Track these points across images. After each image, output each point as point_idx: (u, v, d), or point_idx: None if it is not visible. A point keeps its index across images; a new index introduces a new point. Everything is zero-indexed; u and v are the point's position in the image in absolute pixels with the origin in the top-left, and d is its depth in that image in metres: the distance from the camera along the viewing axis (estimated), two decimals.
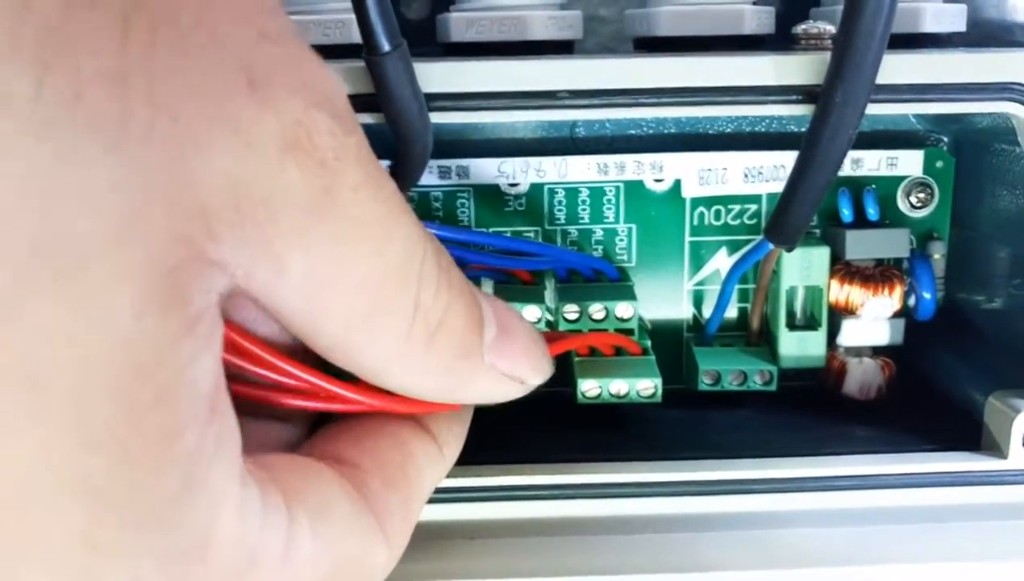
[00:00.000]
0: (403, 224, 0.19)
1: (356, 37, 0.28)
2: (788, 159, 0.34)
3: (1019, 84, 0.27)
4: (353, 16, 0.27)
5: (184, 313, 0.16)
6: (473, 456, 0.30)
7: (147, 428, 0.15)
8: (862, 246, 0.34)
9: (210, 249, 0.16)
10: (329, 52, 0.29)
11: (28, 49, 0.14)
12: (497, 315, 0.22)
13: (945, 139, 0.36)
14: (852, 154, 0.34)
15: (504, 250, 0.33)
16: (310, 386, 0.21)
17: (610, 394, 0.32)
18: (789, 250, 0.32)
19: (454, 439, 0.24)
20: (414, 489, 0.23)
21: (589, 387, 0.31)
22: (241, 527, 0.17)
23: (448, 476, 0.29)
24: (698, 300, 0.36)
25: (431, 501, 0.29)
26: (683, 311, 0.36)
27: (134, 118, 0.15)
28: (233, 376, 0.20)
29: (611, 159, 0.34)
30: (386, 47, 0.24)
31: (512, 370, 0.22)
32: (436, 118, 0.26)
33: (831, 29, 0.29)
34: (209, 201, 0.16)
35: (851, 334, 0.34)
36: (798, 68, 0.27)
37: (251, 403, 0.22)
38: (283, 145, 0.17)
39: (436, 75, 0.26)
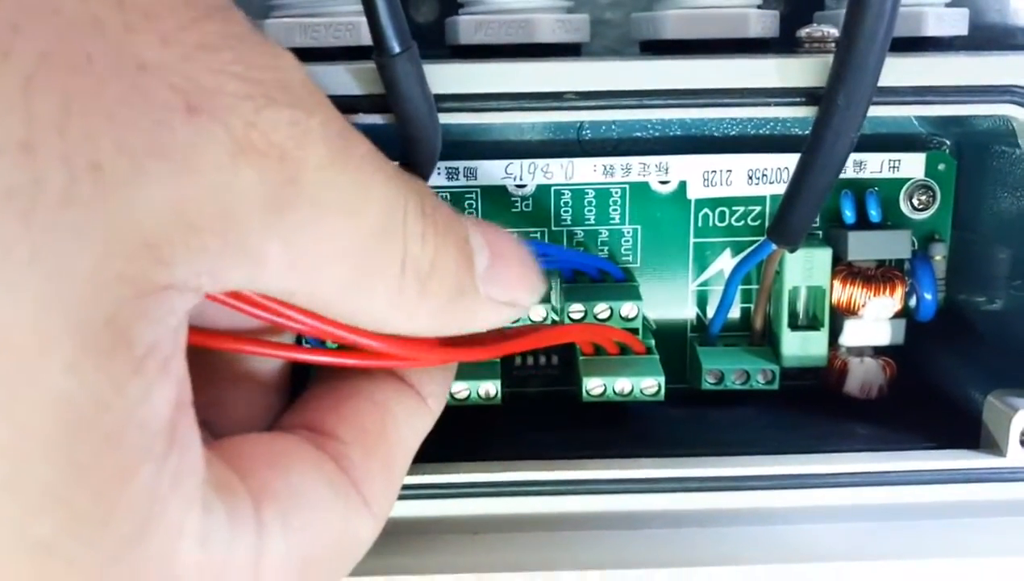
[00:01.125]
0: (378, 184, 0.19)
1: (366, 39, 0.29)
2: (792, 161, 0.34)
3: (1020, 87, 0.28)
4: (362, 18, 0.27)
5: (128, 356, 0.15)
6: (478, 452, 0.30)
7: (94, 480, 0.15)
8: (864, 247, 0.34)
9: (160, 276, 0.16)
10: (339, 54, 0.29)
11: None
12: (487, 241, 0.22)
13: (947, 142, 0.36)
14: (855, 156, 0.35)
15: None
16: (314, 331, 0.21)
17: (614, 392, 0.32)
18: (792, 251, 0.32)
19: (438, 388, 0.25)
20: (396, 453, 0.23)
21: (593, 385, 0.32)
22: (205, 554, 0.17)
23: (452, 472, 0.30)
24: (702, 300, 0.37)
25: (435, 496, 0.30)
26: (687, 311, 0.37)
27: (47, 183, 0.14)
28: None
29: (617, 161, 0.35)
30: (397, 49, 0.24)
31: (508, 296, 0.22)
32: (445, 119, 0.27)
33: (834, 32, 0.29)
34: (153, 233, 0.15)
35: (853, 334, 0.34)
36: (801, 71, 0.27)
37: (234, 370, 0.23)
38: (234, 153, 0.16)
39: (445, 76, 0.27)
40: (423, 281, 0.20)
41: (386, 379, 0.24)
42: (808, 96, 0.27)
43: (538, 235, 0.35)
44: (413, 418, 0.24)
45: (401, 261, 0.20)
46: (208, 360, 0.22)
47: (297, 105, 0.18)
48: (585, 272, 0.35)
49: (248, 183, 0.17)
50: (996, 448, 0.30)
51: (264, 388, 0.24)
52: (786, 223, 0.29)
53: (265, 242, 0.17)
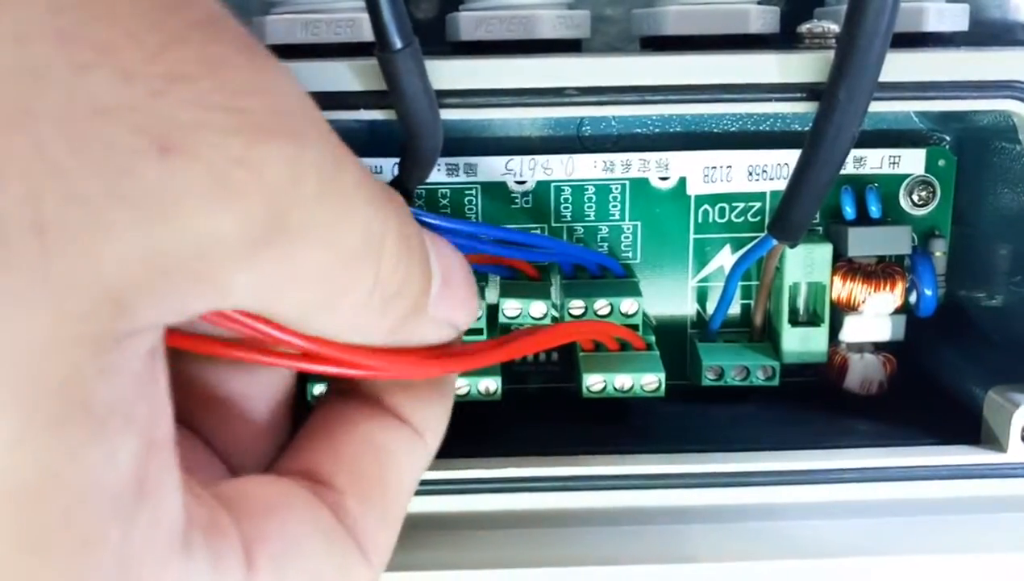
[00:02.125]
0: (362, 212, 0.18)
1: (367, 35, 0.29)
2: (792, 157, 0.34)
3: (1020, 82, 0.28)
4: (363, 14, 0.27)
5: (85, 421, 0.14)
6: (479, 448, 0.30)
7: (56, 560, 0.14)
8: (864, 243, 0.34)
9: (123, 326, 0.15)
10: (340, 50, 0.29)
11: None
12: (441, 264, 0.22)
13: (947, 138, 0.36)
14: (855, 152, 0.35)
15: (509, 241, 0.33)
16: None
17: (614, 388, 0.32)
18: (792, 246, 0.32)
19: (436, 425, 0.24)
20: (394, 498, 0.22)
21: (594, 381, 0.32)
22: None
23: (452, 468, 0.30)
24: (702, 296, 0.37)
25: (438, 492, 0.30)
26: (687, 307, 0.37)
27: None
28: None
29: (617, 157, 0.35)
30: (399, 44, 0.24)
31: (450, 318, 0.22)
32: (446, 115, 0.27)
33: (835, 28, 0.29)
34: (117, 284, 0.14)
35: (853, 330, 0.34)
36: (802, 66, 0.27)
37: (232, 409, 0.22)
38: (217, 195, 0.15)
39: (447, 72, 0.27)
40: (387, 301, 0.20)
41: (382, 417, 0.23)
42: (809, 92, 0.27)
43: (538, 231, 0.36)
44: (411, 457, 0.23)
45: (372, 284, 0.19)
46: (204, 385, 0.22)
47: (292, 136, 0.16)
48: (585, 267, 0.35)
49: (231, 224, 0.15)
50: (997, 444, 0.30)
51: (264, 416, 0.23)
52: (787, 219, 0.29)
53: (234, 276, 0.16)
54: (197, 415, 0.22)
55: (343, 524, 0.21)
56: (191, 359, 0.21)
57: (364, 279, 0.19)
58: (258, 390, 0.23)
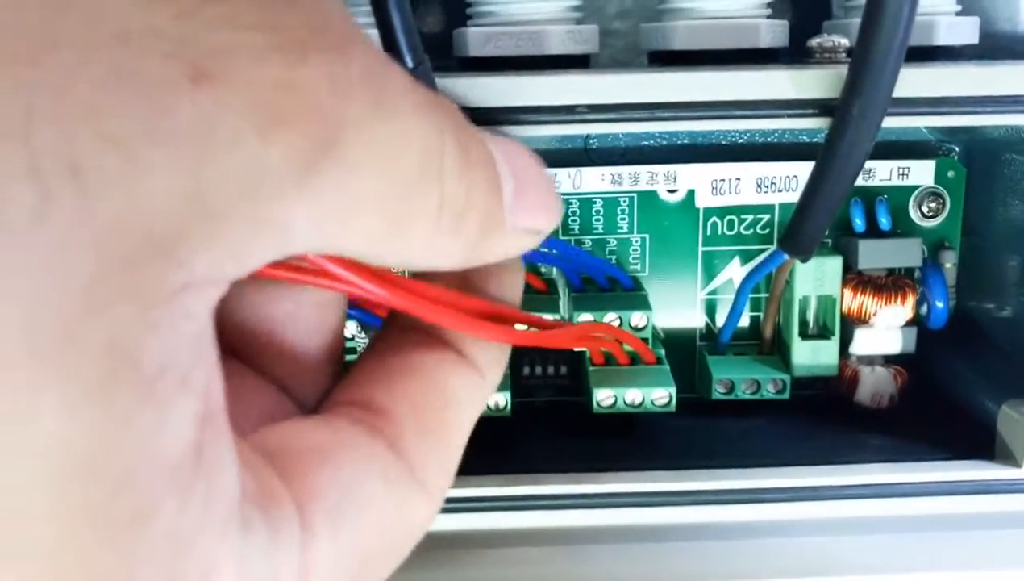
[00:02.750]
0: (416, 126, 0.17)
1: None
2: (800, 169, 0.35)
3: None
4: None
5: (135, 382, 0.13)
6: (488, 465, 0.30)
7: (108, 534, 0.14)
8: (874, 256, 0.34)
9: (174, 278, 0.14)
10: None
11: None
12: (511, 166, 0.20)
13: (956, 149, 0.36)
14: (864, 164, 0.34)
15: None
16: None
17: (625, 403, 0.32)
18: (804, 261, 0.32)
19: (496, 365, 0.23)
20: (453, 430, 0.21)
21: (604, 396, 0.32)
22: (245, 577, 0.16)
23: (463, 486, 0.30)
24: (711, 309, 0.36)
25: (446, 511, 0.30)
26: (696, 320, 0.37)
27: (9, 204, 0.12)
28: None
29: (625, 170, 0.35)
30: (410, 63, 0.24)
31: (531, 224, 0.21)
32: None
33: (845, 42, 0.29)
34: (162, 229, 0.13)
35: (864, 343, 0.34)
36: (814, 82, 0.27)
37: (280, 336, 0.21)
38: (262, 124, 0.14)
39: (458, 90, 0.26)
40: (458, 219, 0.18)
41: (441, 351, 0.22)
42: (821, 107, 0.27)
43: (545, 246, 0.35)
44: (470, 392, 0.22)
45: (438, 203, 0.18)
46: (247, 312, 0.21)
47: (335, 51, 0.15)
48: (594, 279, 0.34)
49: (279, 155, 0.14)
50: (1011, 459, 0.30)
51: (315, 342, 0.22)
52: (799, 234, 0.29)
53: (293, 210, 0.15)
54: (244, 345, 0.21)
55: (401, 458, 0.20)
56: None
57: (428, 198, 0.18)
58: (306, 314, 0.22)
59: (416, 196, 0.17)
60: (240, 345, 0.21)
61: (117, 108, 0.13)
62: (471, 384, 0.22)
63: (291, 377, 0.22)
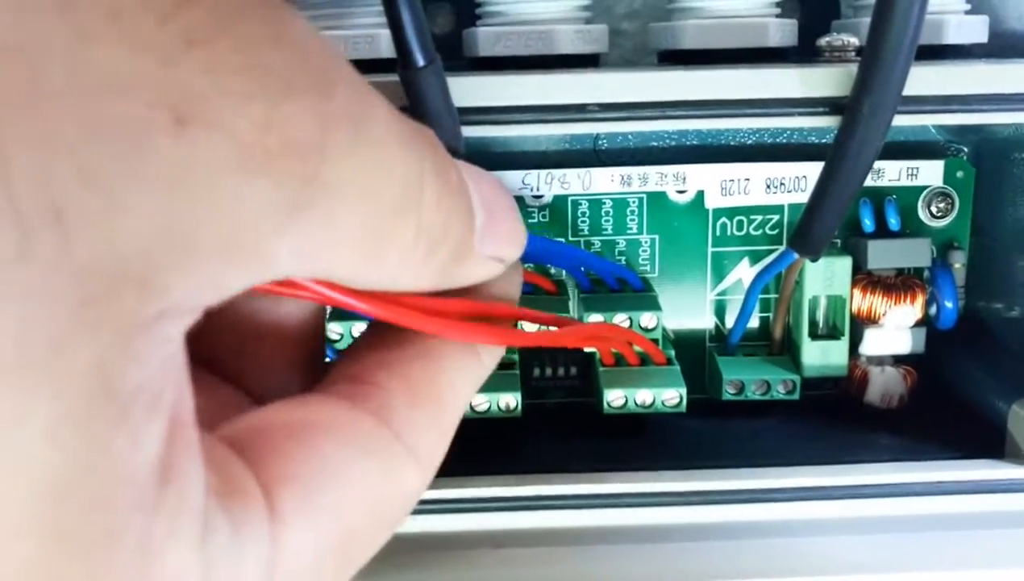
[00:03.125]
0: (398, 158, 0.17)
1: (385, 51, 0.29)
2: (809, 170, 0.35)
3: None
4: (382, 30, 0.27)
5: (112, 409, 0.14)
6: (498, 466, 0.30)
7: (80, 548, 0.14)
8: (884, 256, 0.34)
9: (150, 308, 0.14)
10: (359, 66, 0.29)
11: None
12: (482, 197, 0.21)
13: (965, 149, 0.36)
14: (874, 163, 0.34)
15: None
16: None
17: (635, 404, 0.32)
18: (814, 260, 0.32)
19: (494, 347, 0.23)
20: (445, 405, 0.21)
21: (615, 397, 0.32)
22: (209, 576, 0.16)
23: (474, 486, 0.30)
24: (720, 310, 0.36)
25: (457, 511, 0.30)
26: (706, 321, 0.37)
27: (2, 248, 0.13)
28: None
29: (634, 171, 0.35)
30: (421, 62, 0.24)
31: (498, 252, 0.21)
32: (468, 132, 0.27)
33: (855, 41, 0.29)
34: (140, 265, 0.14)
35: (873, 343, 0.34)
36: (824, 80, 0.27)
37: (259, 322, 0.21)
38: (243, 164, 0.14)
39: (468, 89, 0.26)
40: (432, 247, 0.19)
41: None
42: (831, 106, 0.27)
43: None
44: (464, 370, 0.22)
45: (415, 232, 0.18)
46: (232, 314, 0.21)
47: (317, 88, 0.15)
48: (603, 280, 0.34)
49: (260, 192, 0.15)
50: (1021, 458, 0.30)
51: (294, 340, 0.22)
52: (808, 233, 0.29)
53: (276, 244, 0.15)
54: (216, 350, 0.21)
55: (388, 426, 0.20)
56: None
57: (407, 227, 0.18)
58: (283, 314, 0.22)
59: (395, 226, 0.18)
60: (217, 345, 0.21)
61: (98, 150, 0.13)
62: (467, 363, 0.22)
63: (265, 381, 0.22)
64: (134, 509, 0.14)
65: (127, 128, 0.13)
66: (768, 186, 0.35)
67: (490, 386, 0.31)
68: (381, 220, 0.17)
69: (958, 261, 0.36)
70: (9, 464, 0.13)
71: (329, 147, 0.15)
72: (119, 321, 0.14)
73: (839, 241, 0.36)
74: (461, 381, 0.22)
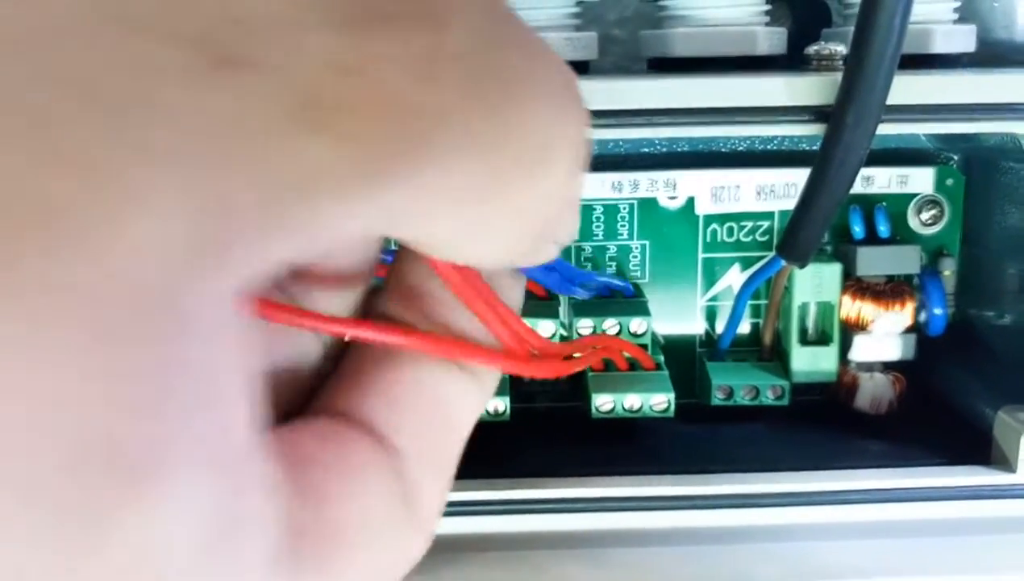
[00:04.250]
0: (527, 116, 0.14)
1: None
2: (800, 177, 0.34)
3: None
4: None
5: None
6: (486, 469, 0.30)
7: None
8: (873, 263, 0.34)
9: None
10: None
11: None
12: None
13: (955, 157, 0.36)
14: (863, 172, 0.34)
15: None
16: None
17: (624, 409, 0.32)
18: (801, 267, 0.32)
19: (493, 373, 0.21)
20: (451, 454, 0.19)
21: (603, 402, 0.32)
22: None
23: (462, 490, 0.30)
24: (711, 316, 0.37)
25: (447, 515, 0.30)
26: (696, 326, 0.37)
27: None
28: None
29: (625, 176, 0.35)
30: None
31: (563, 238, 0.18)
32: None
33: (842, 50, 0.29)
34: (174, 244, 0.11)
35: (863, 349, 0.34)
36: (810, 89, 0.27)
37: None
38: (304, 118, 0.11)
39: None
40: (542, 221, 0.16)
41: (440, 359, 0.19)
42: (817, 114, 0.27)
43: None
44: (467, 402, 0.19)
45: (533, 205, 0.15)
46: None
47: (427, 16, 0.12)
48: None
49: (330, 152, 0.11)
50: (1006, 464, 0.30)
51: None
52: (795, 240, 0.29)
53: (334, 213, 0.12)
54: None
55: (403, 485, 0.17)
56: None
57: (523, 201, 0.15)
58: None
59: (508, 200, 0.15)
60: None
61: (122, 99, 0.10)
62: (468, 392, 0.20)
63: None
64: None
65: (151, 73, 0.10)
66: (759, 193, 0.35)
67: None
68: (495, 193, 0.14)
69: (948, 268, 0.36)
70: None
71: (439, 99, 0.12)
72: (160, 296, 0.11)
73: (829, 247, 0.36)
74: (465, 414, 0.20)
